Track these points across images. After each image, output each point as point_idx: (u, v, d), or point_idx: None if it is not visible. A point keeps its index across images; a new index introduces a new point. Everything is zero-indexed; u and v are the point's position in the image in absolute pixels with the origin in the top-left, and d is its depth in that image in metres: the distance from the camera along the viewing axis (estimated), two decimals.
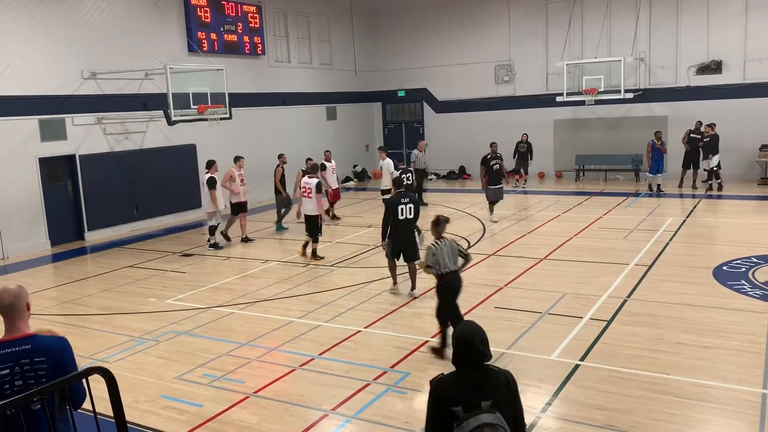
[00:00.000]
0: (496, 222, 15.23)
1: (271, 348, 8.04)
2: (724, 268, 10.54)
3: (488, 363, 3.29)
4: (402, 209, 9.80)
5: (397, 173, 13.95)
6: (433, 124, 25.85)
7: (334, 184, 16.97)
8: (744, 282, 9.73)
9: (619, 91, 20.27)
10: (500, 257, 12.09)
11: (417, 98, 26.11)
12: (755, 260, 10.89)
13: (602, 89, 20.64)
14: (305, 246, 12.82)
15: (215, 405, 6.48)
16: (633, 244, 12.44)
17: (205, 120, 15.93)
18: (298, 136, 21.94)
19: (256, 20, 20.41)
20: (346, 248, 13.38)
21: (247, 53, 20.15)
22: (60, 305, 10.48)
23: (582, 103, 21.41)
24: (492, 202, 15.49)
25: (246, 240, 14.58)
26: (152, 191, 17.29)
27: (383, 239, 9.98)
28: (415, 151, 18.39)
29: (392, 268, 10.15)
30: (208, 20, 18.77)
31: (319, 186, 12.42)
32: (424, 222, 10.32)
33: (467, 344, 3.25)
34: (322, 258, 12.46)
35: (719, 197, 17.85)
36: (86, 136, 15.86)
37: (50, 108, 15.01)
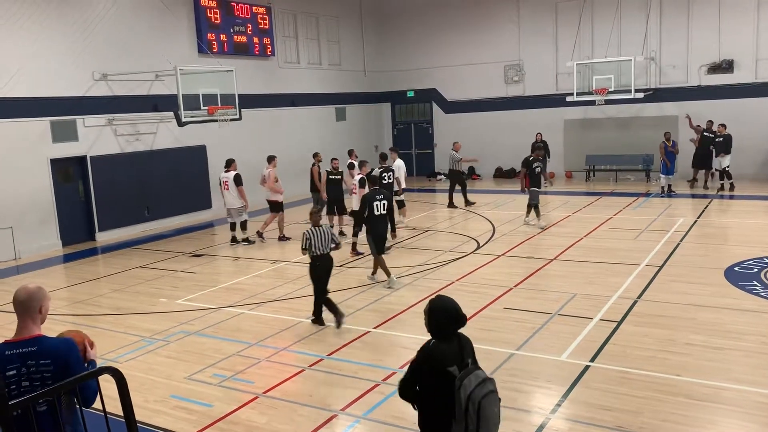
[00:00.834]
0: (544, 226, 14.39)
1: (280, 348, 8.06)
2: (736, 268, 10.47)
3: None
4: (377, 205, 10.50)
5: (377, 171, 13.94)
6: (442, 124, 25.78)
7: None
8: (756, 283, 9.65)
9: (629, 91, 20.16)
10: (510, 258, 12.06)
11: (426, 98, 26.07)
12: (767, 261, 10.82)
13: (612, 89, 20.54)
14: (354, 247, 12.95)
15: (225, 405, 6.50)
16: (644, 245, 12.38)
17: (215, 121, 15.98)
18: (307, 137, 21.93)
19: (265, 21, 20.45)
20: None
21: (256, 54, 20.20)
22: (71, 305, 10.56)
23: (592, 103, 21.31)
24: (534, 205, 14.60)
25: (283, 238, 14.55)
26: (163, 192, 17.37)
27: (359, 230, 10.62)
28: (452, 152, 17.61)
29: (382, 262, 10.54)
30: (218, 21, 18.84)
31: (362, 181, 13.04)
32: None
33: (450, 314, 3.79)
34: (362, 254, 12.57)
35: (731, 197, 17.73)
36: (97, 138, 15.97)
37: (61, 109, 15.12)
